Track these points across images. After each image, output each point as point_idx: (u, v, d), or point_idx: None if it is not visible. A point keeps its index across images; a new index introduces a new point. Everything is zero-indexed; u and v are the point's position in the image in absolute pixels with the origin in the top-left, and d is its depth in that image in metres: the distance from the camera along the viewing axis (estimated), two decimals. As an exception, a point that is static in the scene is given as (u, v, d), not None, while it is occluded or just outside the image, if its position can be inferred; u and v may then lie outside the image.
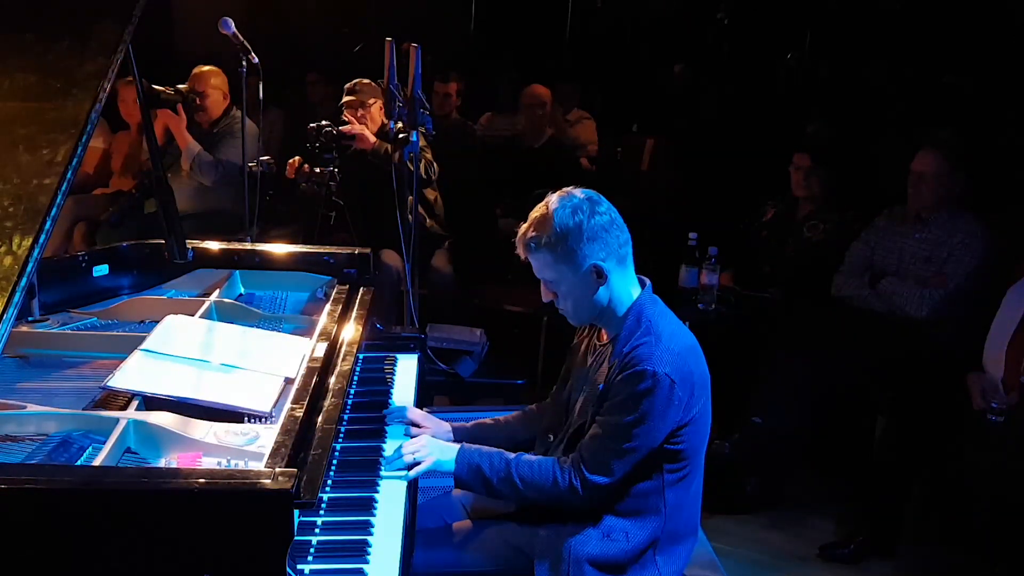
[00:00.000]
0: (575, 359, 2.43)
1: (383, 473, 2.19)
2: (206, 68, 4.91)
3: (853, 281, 4.00)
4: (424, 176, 4.53)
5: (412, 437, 2.41)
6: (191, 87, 4.74)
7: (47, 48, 2.03)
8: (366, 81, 4.55)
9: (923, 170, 3.84)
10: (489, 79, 7.52)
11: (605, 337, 2.30)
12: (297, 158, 4.52)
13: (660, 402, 2.10)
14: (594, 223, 2.15)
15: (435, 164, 4.59)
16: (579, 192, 2.20)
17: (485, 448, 2.29)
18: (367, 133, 4.41)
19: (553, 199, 2.19)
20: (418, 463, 2.21)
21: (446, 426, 2.51)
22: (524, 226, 2.21)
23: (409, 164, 3.66)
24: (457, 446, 2.29)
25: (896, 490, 3.59)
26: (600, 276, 2.17)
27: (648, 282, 2.29)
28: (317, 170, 4.35)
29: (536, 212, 2.20)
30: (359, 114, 4.60)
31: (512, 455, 2.25)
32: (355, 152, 4.46)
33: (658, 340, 2.14)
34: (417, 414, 2.51)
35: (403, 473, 2.19)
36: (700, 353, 2.24)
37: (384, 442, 2.35)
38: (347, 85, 4.64)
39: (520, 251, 2.23)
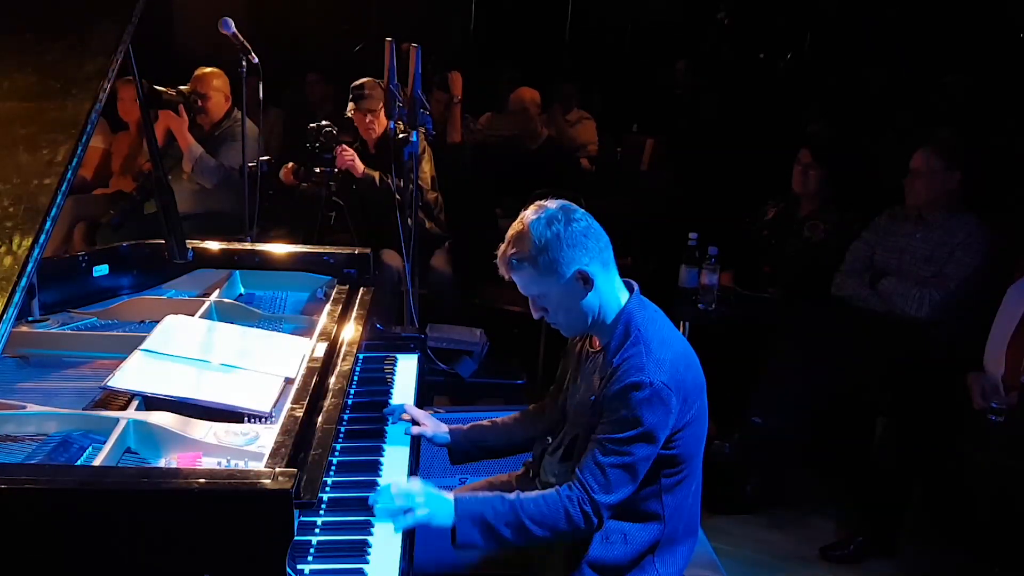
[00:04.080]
0: (570, 362, 2.42)
1: (382, 460, 2.17)
2: (208, 70, 4.89)
3: (853, 281, 4.00)
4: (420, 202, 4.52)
5: (412, 435, 2.42)
6: (193, 88, 4.72)
7: (47, 48, 2.03)
8: (375, 82, 4.51)
9: (916, 167, 3.86)
10: (489, 79, 7.52)
11: (597, 343, 2.27)
12: (291, 164, 4.52)
13: (657, 412, 2.07)
14: (572, 230, 2.12)
15: (426, 186, 4.56)
16: (551, 203, 2.18)
17: (481, 494, 2.16)
18: (356, 163, 4.39)
19: (527, 214, 2.17)
20: (410, 511, 2.03)
21: (443, 428, 2.50)
22: (503, 246, 2.19)
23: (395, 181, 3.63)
24: (451, 496, 2.10)
25: (896, 490, 3.59)
26: (587, 282, 2.14)
27: (636, 285, 2.26)
28: (317, 170, 4.35)
29: (512, 230, 2.18)
30: (367, 120, 4.56)
31: (511, 495, 2.11)
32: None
33: (648, 349, 2.12)
34: (417, 412, 2.50)
35: (391, 521, 2.02)
36: (693, 358, 2.22)
37: (384, 442, 2.35)
38: (354, 84, 4.59)
39: (503, 271, 2.20)
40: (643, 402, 2.06)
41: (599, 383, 2.18)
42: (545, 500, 2.09)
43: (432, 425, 2.48)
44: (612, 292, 2.21)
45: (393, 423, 2.46)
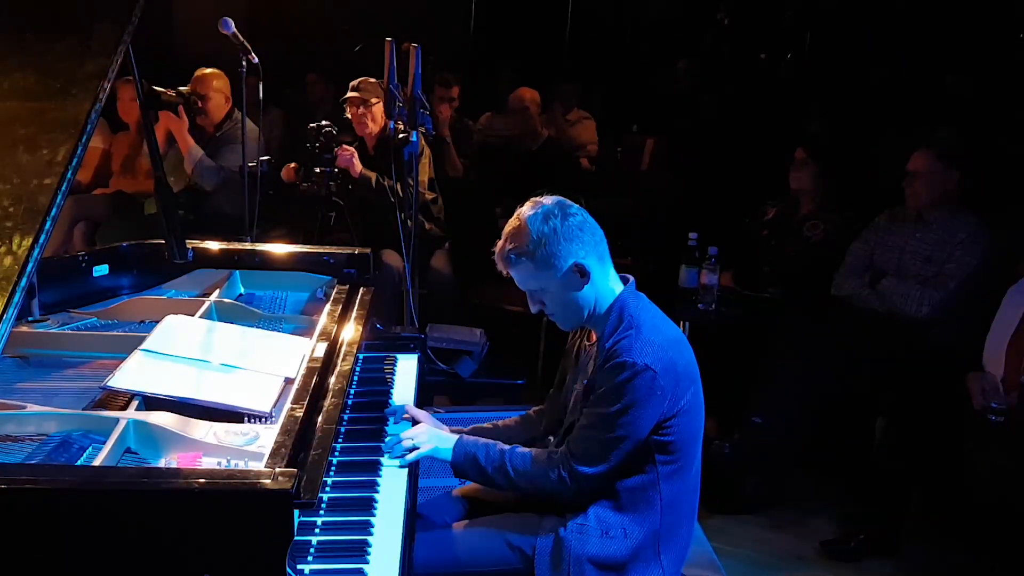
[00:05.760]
0: (568, 361, 2.45)
1: (383, 460, 2.21)
2: (208, 70, 4.89)
3: (853, 280, 4.01)
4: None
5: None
6: (193, 89, 4.72)
7: (47, 48, 2.03)
8: (372, 80, 4.53)
9: (915, 169, 3.87)
10: (489, 79, 7.53)
11: (594, 337, 2.32)
12: (293, 164, 4.52)
13: (642, 392, 2.12)
14: (568, 224, 2.18)
15: (425, 187, 4.55)
16: (547, 199, 2.24)
17: (482, 439, 2.33)
18: (355, 163, 4.39)
19: (524, 209, 2.23)
20: (415, 448, 2.26)
21: (444, 429, 2.50)
22: (500, 242, 2.25)
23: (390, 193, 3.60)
24: (455, 436, 2.33)
25: (896, 490, 3.59)
26: (583, 275, 2.20)
27: (632, 279, 2.32)
28: (317, 170, 4.35)
29: (509, 226, 2.24)
30: (360, 112, 4.59)
31: (508, 446, 2.30)
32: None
33: (638, 332, 2.17)
34: (418, 412, 2.51)
35: (400, 459, 2.23)
36: (685, 344, 2.26)
37: (384, 442, 2.35)
38: (352, 83, 4.62)
39: (500, 267, 2.26)
40: (626, 381, 2.12)
41: (593, 369, 2.23)
42: (533, 457, 2.25)
43: (432, 426, 2.49)
44: (607, 284, 2.26)
45: (395, 423, 2.46)
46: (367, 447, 2.30)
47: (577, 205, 2.25)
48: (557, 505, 2.27)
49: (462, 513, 2.47)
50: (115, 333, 2.56)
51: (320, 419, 2.10)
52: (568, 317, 2.29)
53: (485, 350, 3.93)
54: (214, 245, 3.04)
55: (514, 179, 5.47)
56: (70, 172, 1.85)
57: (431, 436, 2.31)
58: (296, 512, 1.60)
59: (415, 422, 2.48)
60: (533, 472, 2.23)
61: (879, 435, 3.74)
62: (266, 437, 1.96)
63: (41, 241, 1.78)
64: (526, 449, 2.30)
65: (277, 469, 1.65)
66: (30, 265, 1.75)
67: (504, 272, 2.26)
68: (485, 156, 6.10)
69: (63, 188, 1.83)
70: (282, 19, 7.51)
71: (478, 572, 2.28)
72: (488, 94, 7.11)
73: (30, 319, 2.59)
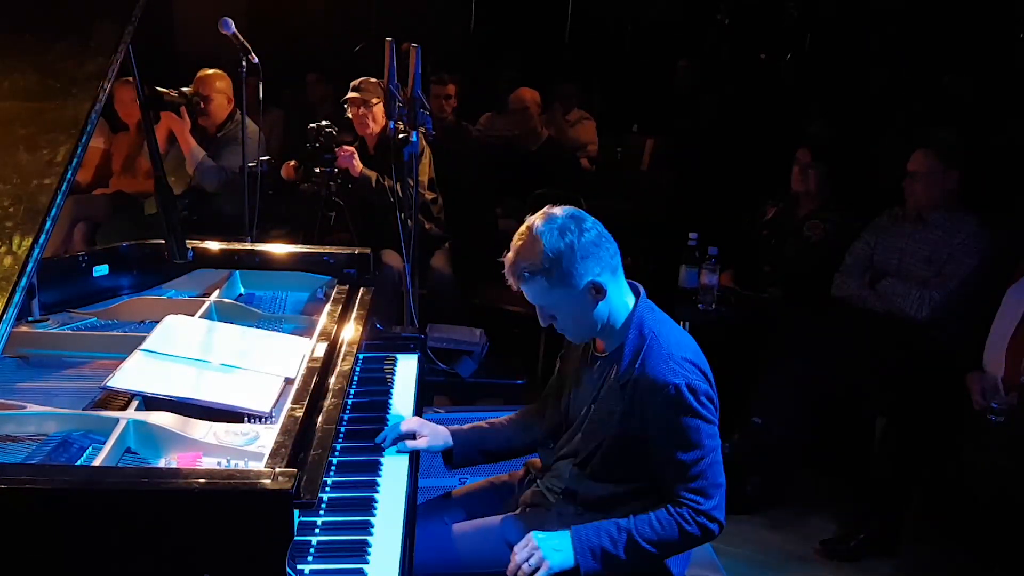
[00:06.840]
0: (568, 366, 2.41)
1: (383, 460, 2.19)
2: (211, 71, 4.89)
3: (853, 281, 4.01)
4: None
5: (409, 452, 2.33)
6: (195, 90, 4.71)
7: (47, 48, 2.03)
8: (372, 80, 4.53)
9: (915, 169, 3.87)
10: (489, 79, 7.53)
11: (602, 347, 2.26)
12: (293, 162, 4.52)
13: (704, 406, 2.10)
14: (584, 240, 2.09)
15: (424, 187, 4.53)
16: (560, 211, 2.13)
17: (593, 523, 2.16)
18: (355, 162, 4.39)
19: (536, 223, 2.11)
20: (537, 569, 2.10)
21: (444, 431, 2.45)
22: (511, 255, 2.13)
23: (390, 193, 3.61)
24: (567, 534, 2.14)
25: (896, 490, 3.59)
26: (599, 292, 2.12)
27: (641, 288, 2.26)
28: (317, 170, 4.35)
29: (520, 240, 2.12)
30: (360, 112, 4.59)
31: (623, 520, 2.14)
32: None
33: (669, 354, 2.12)
34: (413, 423, 2.41)
35: None
36: (703, 358, 2.23)
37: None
38: (353, 83, 4.63)
39: (511, 282, 2.15)
40: (689, 401, 2.08)
41: (621, 391, 2.16)
42: (659, 521, 2.12)
43: (430, 434, 2.40)
44: (621, 298, 2.20)
45: (394, 450, 2.33)
46: (367, 447, 2.30)
47: (591, 217, 2.16)
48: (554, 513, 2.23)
49: (462, 513, 2.46)
50: (115, 333, 2.56)
51: (320, 419, 2.10)
52: (580, 332, 2.23)
53: (485, 350, 3.94)
54: (214, 245, 3.04)
55: (514, 179, 5.48)
56: (70, 172, 1.85)
57: (545, 545, 2.10)
58: (296, 512, 1.60)
59: (413, 437, 2.39)
60: (670, 536, 2.11)
61: (879, 435, 3.74)
62: (266, 437, 1.96)
63: (41, 241, 1.78)
64: (644, 515, 2.14)
65: (277, 469, 1.65)
66: (30, 265, 1.75)
67: (515, 287, 2.16)
68: (485, 156, 6.10)
69: (63, 188, 1.83)
70: (282, 19, 7.52)
71: (478, 572, 2.27)
72: (488, 94, 7.12)
73: (30, 319, 2.58)
